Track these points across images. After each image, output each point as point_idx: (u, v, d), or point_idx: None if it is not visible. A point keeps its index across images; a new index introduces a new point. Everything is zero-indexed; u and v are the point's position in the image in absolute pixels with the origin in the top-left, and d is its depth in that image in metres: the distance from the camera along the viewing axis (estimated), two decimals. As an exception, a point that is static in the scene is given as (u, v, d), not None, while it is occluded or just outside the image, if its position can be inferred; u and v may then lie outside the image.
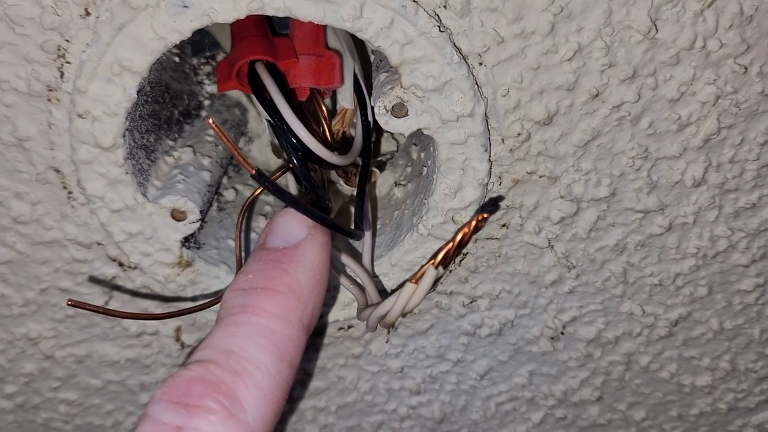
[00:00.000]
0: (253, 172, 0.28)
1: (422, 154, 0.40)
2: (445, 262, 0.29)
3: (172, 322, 0.41)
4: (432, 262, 0.29)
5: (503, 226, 0.38)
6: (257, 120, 0.46)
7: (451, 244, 0.29)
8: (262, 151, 0.47)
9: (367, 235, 0.37)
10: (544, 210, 0.38)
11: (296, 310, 0.26)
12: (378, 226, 0.42)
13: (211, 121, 0.27)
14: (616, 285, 0.41)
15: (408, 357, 0.43)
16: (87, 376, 0.43)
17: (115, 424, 0.46)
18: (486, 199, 0.37)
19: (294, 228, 0.28)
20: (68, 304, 0.28)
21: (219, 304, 0.35)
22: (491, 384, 0.45)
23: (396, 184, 0.42)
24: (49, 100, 0.33)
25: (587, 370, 0.44)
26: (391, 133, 0.46)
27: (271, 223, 0.29)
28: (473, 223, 0.29)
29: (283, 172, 0.38)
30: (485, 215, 0.29)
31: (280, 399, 0.25)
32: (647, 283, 0.41)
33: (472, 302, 0.41)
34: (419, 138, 0.42)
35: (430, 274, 0.29)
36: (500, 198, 0.35)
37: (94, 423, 0.46)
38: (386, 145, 0.45)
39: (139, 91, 0.33)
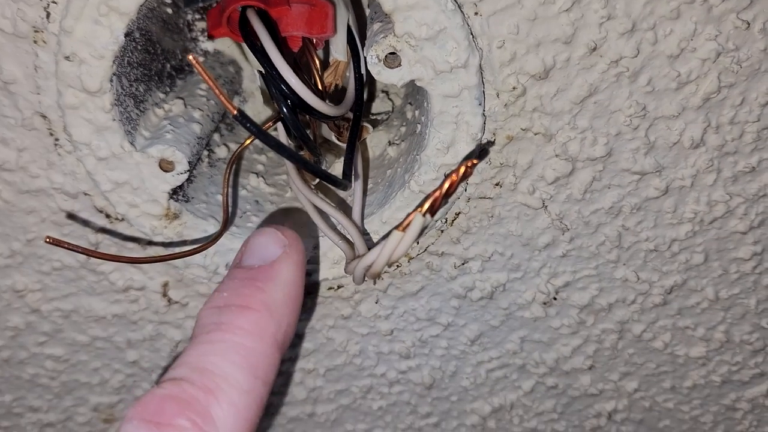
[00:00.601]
0: (235, 112, 0.27)
1: (417, 112, 0.40)
2: (433, 210, 0.29)
3: (159, 278, 0.40)
4: (419, 209, 0.29)
5: (496, 185, 0.37)
6: (252, 79, 0.45)
7: (438, 192, 0.29)
8: (256, 111, 0.46)
9: (357, 189, 0.36)
10: (539, 169, 0.37)
11: (270, 327, 0.26)
12: (370, 186, 0.41)
13: (191, 57, 0.26)
14: (611, 250, 0.40)
15: (398, 319, 0.43)
16: (73, 331, 0.43)
17: (101, 381, 0.45)
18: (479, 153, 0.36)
19: (270, 247, 0.28)
20: (46, 242, 0.27)
21: (204, 251, 0.34)
22: (482, 350, 0.44)
23: (390, 143, 0.42)
24: (35, 41, 0.33)
25: (580, 337, 0.44)
26: (387, 93, 0.45)
27: (247, 241, 0.29)
28: (461, 169, 0.28)
29: (275, 122, 0.37)
30: (474, 161, 0.28)
31: (254, 416, 0.25)
32: (642, 249, 0.40)
33: (463, 264, 0.40)
34: (414, 97, 0.41)
35: (417, 221, 0.29)
36: (490, 143, 0.34)
37: (81, 380, 0.45)
38: (382, 106, 0.45)
39: (127, 35, 0.33)
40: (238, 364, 0.25)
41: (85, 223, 0.38)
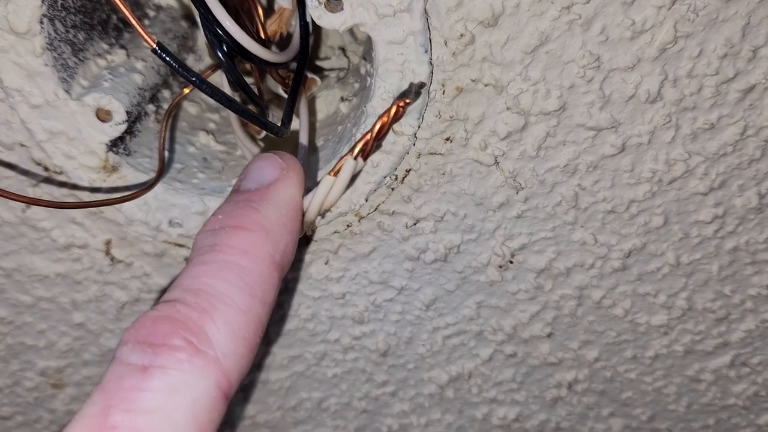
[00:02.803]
0: (154, 44, 0.26)
1: (368, 66, 0.38)
2: (365, 154, 0.28)
3: (102, 235, 0.39)
4: (350, 153, 0.28)
5: (447, 140, 0.36)
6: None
7: (369, 134, 0.27)
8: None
9: (302, 140, 0.35)
10: (490, 123, 0.36)
11: (266, 246, 0.25)
12: (320, 143, 0.40)
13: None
14: (567, 210, 0.39)
15: (350, 282, 0.41)
16: (17, 291, 0.42)
17: (48, 344, 0.44)
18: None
19: (266, 170, 0.28)
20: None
21: (134, 198, 0.33)
22: (437, 315, 0.43)
23: (342, 99, 0.40)
24: (-40, -21, 0.31)
25: (538, 303, 0.43)
26: (344, 50, 0.44)
27: (245, 167, 0.28)
28: (393, 110, 0.27)
29: (214, 70, 0.36)
30: (407, 100, 0.27)
31: (252, 335, 0.24)
32: (600, 210, 0.39)
33: (415, 224, 0.39)
34: (369, 52, 0.40)
35: (349, 165, 0.28)
36: (422, 85, 0.33)
37: (27, 343, 0.44)
38: (337, 62, 0.43)
39: (57, -26, 0.32)
40: (234, 283, 0.24)
41: (24, 175, 0.37)
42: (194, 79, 0.26)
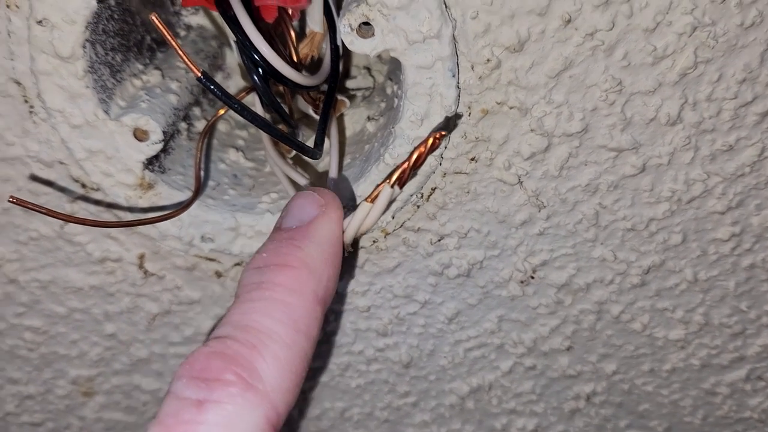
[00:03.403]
0: (199, 74, 0.27)
1: (395, 87, 0.39)
2: (401, 182, 0.29)
3: (135, 249, 0.40)
4: (387, 180, 0.29)
5: (472, 160, 0.37)
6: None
7: (406, 163, 0.29)
8: (237, 87, 0.46)
9: (333, 162, 0.36)
10: (515, 144, 0.37)
11: (310, 283, 0.27)
12: (348, 161, 0.41)
13: (153, 16, 0.26)
14: (588, 228, 0.40)
15: (375, 296, 0.42)
16: (51, 302, 0.43)
17: (80, 354, 0.45)
18: (454, 130, 0.36)
19: (307, 208, 0.29)
20: (9, 201, 0.27)
21: (174, 218, 0.34)
22: (460, 328, 0.44)
23: (369, 119, 0.42)
24: (8, 6, 0.33)
25: (558, 317, 0.44)
26: (369, 70, 0.45)
27: (286, 205, 0.30)
28: (429, 141, 0.28)
29: (248, 92, 0.37)
30: (443, 133, 0.28)
31: (298, 369, 0.26)
32: (620, 228, 0.40)
33: (440, 240, 0.40)
34: (394, 73, 0.41)
35: (386, 192, 0.29)
36: (458, 116, 0.34)
37: (60, 352, 0.45)
38: (363, 82, 0.45)
39: (100, 1, 0.33)
40: (280, 320, 0.25)
41: (61, 192, 0.38)
42: (236, 106, 0.28)
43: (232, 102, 0.28)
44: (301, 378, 0.26)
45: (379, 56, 0.45)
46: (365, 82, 0.45)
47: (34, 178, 0.38)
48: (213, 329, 0.29)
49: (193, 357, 0.24)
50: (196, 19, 0.44)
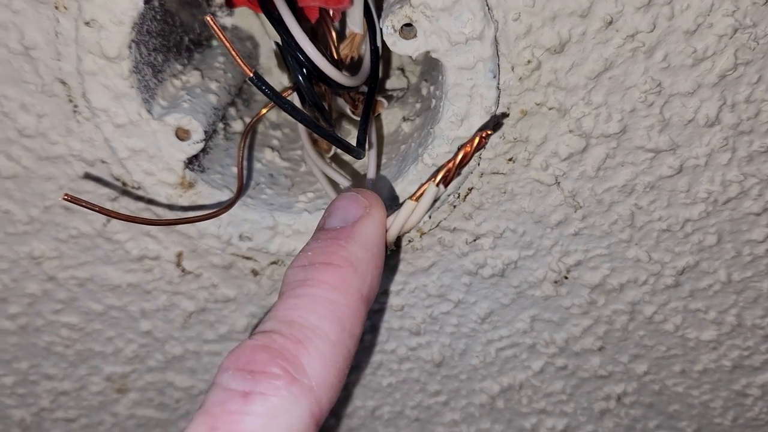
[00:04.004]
0: (251, 74, 0.28)
1: (432, 88, 0.40)
2: (446, 181, 0.29)
3: (174, 247, 0.41)
4: (432, 179, 0.29)
5: (510, 160, 0.38)
6: (269, 55, 0.45)
7: (452, 162, 0.29)
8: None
9: (371, 162, 0.37)
10: (552, 145, 0.37)
11: (354, 281, 0.27)
12: (384, 161, 0.41)
13: (208, 17, 0.26)
14: (623, 229, 0.40)
15: (409, 295, 0.43)
16: (88, 300, 0.43)
17: (115, 351, 0.46)
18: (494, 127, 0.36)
19: (351, 209, 0.30)
20: (64, 198, 0.27)
21: (217, 217, 0.35)
22: (492, 328, 0.44)
23: (404, 119, 0.42)
24: (56, 7, 0.33)
25: (590, 318, 0.44)
26: (403, 71, 0.45)
27: (330, 205, 0.30)
28: (476, 140, 0.28)
29: (291, 92, 0.38)
30: (489, 132, 0.28)
31: (342, 365, 0.26)
32: (655, 229, 0.40)
33: (475, 240, 0.40)
34: (430, 74, 0.42)
35: (431, 191, 0.29)
36: (505, 115, 0.34)
37: (95, 349, 0.46)
38: (397, 82, 0.45)
39: (146, 2, 0.33)
40: (325, 317, 0.26)
41: (102, 190, 0.39)
42: (287, 106, 0.28)
43: (283, 102, 0.28)
44: (344, 375, 0.26)
45: (411, 57, 0.46)
46: (399, 83, 0.45)
47: (76, 177, 0.39)
48: (256, 326, 0.29)
49: (239, 350, 0.25)
50: (231, 20, 0.44)
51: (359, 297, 0.27)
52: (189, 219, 0.33)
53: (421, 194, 0.29)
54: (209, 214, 0.33)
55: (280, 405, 0.24)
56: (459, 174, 0.29)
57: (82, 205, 0.28)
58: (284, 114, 0.47)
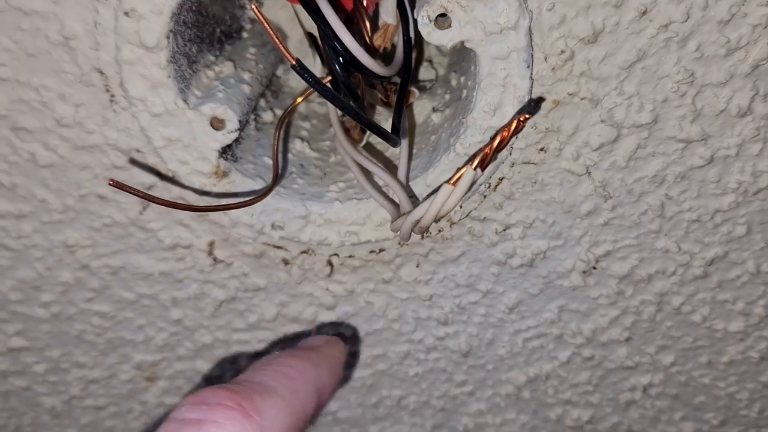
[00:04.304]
0: (294, 62, 0.28)
1: (462, 79, 0.40)
2: (483, 164, 0.29)
3: (206, 236, 0.41)
4: (470, 163, 0.29)
5: (541, 150, 0.38)
6: (297, 47, 0.46)
7: (489, 147, 0.29)
8: (299, 80, 0.47)
9: (403, 150, 0.37)
10: (584, 135, 0.37)
11: (312, 372, 0.31)
12: (414, 151, 0.41)
13: (253, 6, 0.27)
14: (653, 219, 0.40)
15: (438, 285, 0.43)
16: (121, 288, 0.44)
17: (146, 339, 0.46)
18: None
19: (317, 340, 0.35)
20: (110, 184, 0.28)
21: (254, 204, 0.35)
22: (520, 318, 0.45)
23: (434, 110, 0.42)
24: (96, -3, 0.34)
25: (618, 308, 0.44)
26: (431, 62, 0.46)
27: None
28: (513, 123, 0.29)
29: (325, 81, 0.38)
30: (526, 116, 0.28)
31: (293, 422, 0.28)
32: (684, 219, 0.40)
33: (505, 230, 0.41)
34: (459, 65, 0.42)
35: (468, 175, 0.29)
36: (541, 99, 0.35)
37: (126, 337, 0.46)
38: (426, 74, 0.45)
39: (184, -8, 0.34)
40: (283, 384, 0.29)
41: (136, 180, 0.39)
42: (328, 93, 0.28)
43: (324, 89, 0.28)
44: (296, 430, 0.28)
45: (439, 48, 0.46)
46: (428, 74, 0.45)
47: (111, 166, 0.39)
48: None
49: (198, 391, 0.27)
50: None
51: (314, 385, 0.30)
52: (228, 206, 0.34)
53: (459, 178, 0.30)
54: (247, 201, 0.34)
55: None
56: (496, 158, 0.30)
57: (126, 190, 0.29)
58: (312, 106, 0.48)
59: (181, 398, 0.49)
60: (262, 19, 0.26)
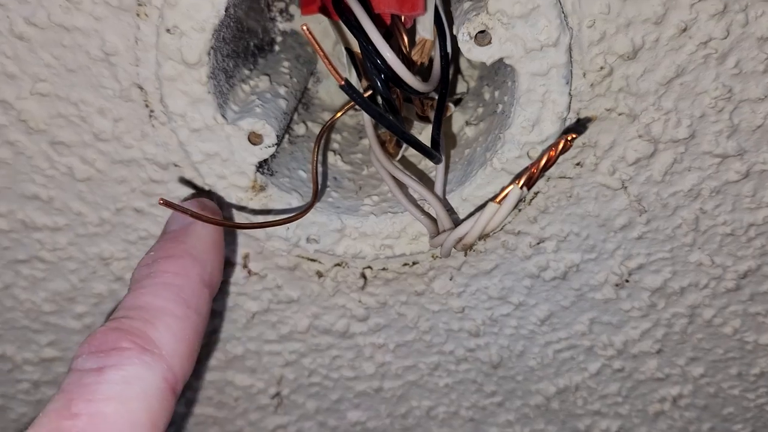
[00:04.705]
0: (342, 82, 0.28)
1: (496, 93, 0.40)
2: (530, 183, 0.30)
3: (241, 249, 0.42)
4: (516, 182, 0.29)
5: (577, 164, 0.38)
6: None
7: (536, 166, 0.29)
8: (328, 93, 0.47)
9: (440, 165, 0.37)
10: (620, 150, 0.37)
11: (195, 268, 0.30)
12: (448, 163, 0.42)
13: (304, 27, 0.27)
14: (687, 233, 0.40)
15: (470, 297, 0.43)
16: (154, 300, 0.44)
17: (177, 350, 0.47)
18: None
19: (186, 210, 0.33)
20: (160, 203, 0.28)
21: (295, 220, 0.35)
22: (551, 330, 0.45)
23: (467, 123, 0.42)
24: (137, 14, 0.34)
25: (649, 321, 0.44)
26: (462, 75, 0.46)
27: (169, 218, 0.34)
28: (561, 143, 0.29)
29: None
30: (574, 135, 0.29)
31: (192, 338, 0.29)
32: (719, 233, 0.40)
33: (539, 243, 0.41)
34: (492, 78, 0.42)
35: (515, 193, 0.30)
36: (588, 119, 0.35)
37: (157, 348, 0.47)
38: (457, 87, 0.45)
39: (226, 9, 0.34)
40: (169, 298, 0.29)
41: (173, 194, 0.40)
42: (375, 112, 0.29)
43: (371, 109, 0.29)
44: (195, 347, 0.29)
45: (469, 61, 0.46)
46: (459, 87, 0.45)
47: (149, 180, 0.39)
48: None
49: (90, 336, 0.27)
50: (291, 25, 0.45)
51: (200, 281, 0.30)
52: (270, 223, 0.34)
53: (505, 196, 0.30)
54: (288, 218, 0.34)
55: (133, 372, 0.25)
56: (541, 176, 0.30)
57: (176, 209, 0.29)
58: (343, 117, 0.48)
59: (212, 408, 0.49)
60: (314, 41, 0.26)
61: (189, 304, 0.29)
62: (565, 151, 0.29)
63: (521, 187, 0.29)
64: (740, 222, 0.40)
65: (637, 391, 0.48)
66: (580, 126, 0.35)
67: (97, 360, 0.26)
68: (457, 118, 0.44)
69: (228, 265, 0.42)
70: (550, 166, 0.29)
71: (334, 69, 0.27)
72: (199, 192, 0.39)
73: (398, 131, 0.29)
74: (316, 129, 0.45)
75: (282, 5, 0.45)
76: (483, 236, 0.31)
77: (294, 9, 0.44)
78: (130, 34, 0.35)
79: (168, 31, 0.34)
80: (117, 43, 0.35)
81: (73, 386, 0.25)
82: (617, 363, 0.46)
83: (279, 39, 0.44)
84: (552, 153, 0.29)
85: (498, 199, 0.30)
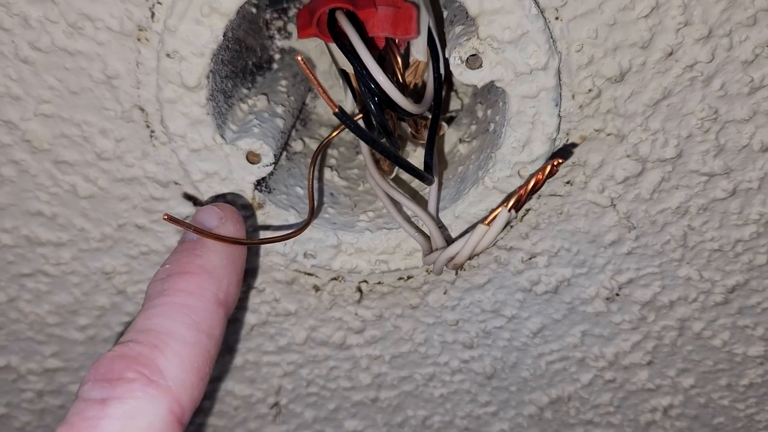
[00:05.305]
0: (336, 110, 0.29)
1: (489, 112, 0.41)
2: (518, 206, 0.31)
3: (240, 264, 0.43)
4: (504, 204, 0.30)
5: (567, 183, 0.39)
6: (324, 77, 0.47)
7: (524, 189, 0.30)
8: (326, 108, 0.48)
9: (434, 184, 0.38)
10: (609, 169, 0.38)
11: (210, 286, 0.29)
12: (441, 181, 0.42)
13: (299, 58, 0.28)
14: (675, 248, 0.41)
15: (464, 310, 0.44)
16: (155, 312, 0.45)
17: (178, 361, 0.48)
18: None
19: (207, 221, 0.32)
20: (163, 219, 0.29)
21: (293, 237, 0.36)
22: (543, 342, 0.46)
23: (460, 140, 0.43)
24: (138, 39, 0.35)
25: (640, 333, 0.45)
26: (456, 92, 0.47)
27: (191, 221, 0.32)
28: (548, 168, 0.30)
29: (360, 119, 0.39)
30: (560, 160, 0.30)
31: (201, 365, 0.27)
32: (707, 248, 0.41)
33: (531, 259, 0.42)
34: (485, 96, 0.43)
35: (503, 216, 0.31)
36: (573, 145, 0.36)
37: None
38: (451, 104, 0.46)
39: (224, 34, 0.35)
40: (181, 321, 0.27)
41: (174, 210, 0.41)
42: (369, 139, 0.29)
43: (365, 136, 0.30)
44: (205, 374, 0.28)
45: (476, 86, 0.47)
46: (453, 104, 0.46)
47: (149, 197, 0.40)
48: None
49: (98, 362, 0.26)
50: (289, 42, 0.46)
51: (215, 300, 0.29)
52: (270, 239, 0.35)
53: (493, 219, 0.31)
54: (287, 235, 0.35)
55: (138, 406, 0.25)
56: (529, 199, 0.31)
57: (179, 225, 0.30)
58: (340, 133, 0.49)
59: (213, 417, 0.50)
60: (308, 72, 0.27)
61: (200, 327, 0.28)
62: (552, 175, 0.30)
63: (509, 210, 0.30)
64: (728, 238, 0.41)
65: (628, 401, 0.49)
66: (566, 151, 0.36)
67: (102, 390, 0.25)
68: (451, 134, 0.44)
69: (227, 279, 0.43)
70: (538, 189, 0.30)
71: (328, 97, 0.28)
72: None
73: (391, 156, 0.30)
74: (314, 145, 0.46)
75: (280, 24, 0.45)
76: (473, 256, 0.32)
77: (292, 27, 0.45)
78: (131, 58, 0.36)
79: (168, 55, 0.35)
80: (118, 66, 0.36)
81: (77, 419, 0.25)
82: (609, 374, 0.47)
83: (277, 56, 0.45)
84: (539, 177, 0.30)
85: (487, 221, 0.31)
